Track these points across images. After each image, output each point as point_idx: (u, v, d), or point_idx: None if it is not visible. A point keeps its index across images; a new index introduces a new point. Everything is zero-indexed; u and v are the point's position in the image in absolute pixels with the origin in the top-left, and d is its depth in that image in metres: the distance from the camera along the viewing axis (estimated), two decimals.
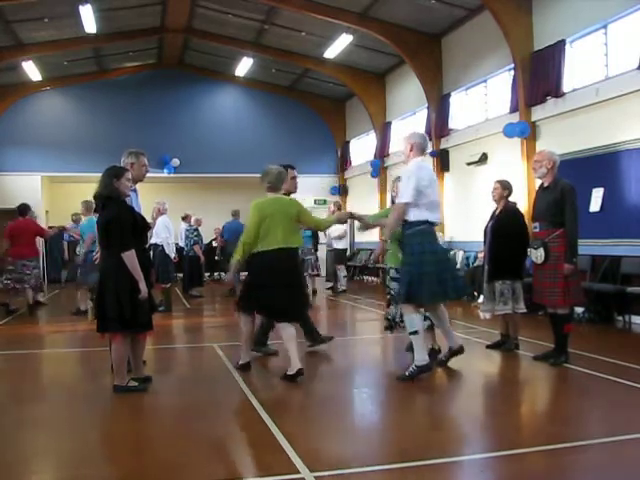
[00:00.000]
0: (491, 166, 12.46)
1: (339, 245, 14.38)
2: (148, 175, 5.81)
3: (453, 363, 5.79)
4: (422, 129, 15.02)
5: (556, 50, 10.37)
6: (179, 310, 11.09)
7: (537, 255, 5.85)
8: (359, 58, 16.35)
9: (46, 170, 18.09)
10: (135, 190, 5.56)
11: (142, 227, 5.18)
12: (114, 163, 5.30)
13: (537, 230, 5.96)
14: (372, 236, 15.68)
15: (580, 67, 10.29)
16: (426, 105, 14.59)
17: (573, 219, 5.69)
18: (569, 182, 5.85)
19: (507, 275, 6.50)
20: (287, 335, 5.47)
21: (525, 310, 6.66)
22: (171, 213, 11.10)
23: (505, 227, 6.55)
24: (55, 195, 19.02)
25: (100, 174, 5.12)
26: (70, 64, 17.28)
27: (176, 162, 18.79)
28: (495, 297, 6.55)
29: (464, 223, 13.24)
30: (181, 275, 14.33)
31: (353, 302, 12.21)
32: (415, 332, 5.33)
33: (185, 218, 14.04)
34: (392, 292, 6.12)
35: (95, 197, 5.08)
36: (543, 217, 5.90)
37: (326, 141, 20.18)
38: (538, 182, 6.19)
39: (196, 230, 13.72)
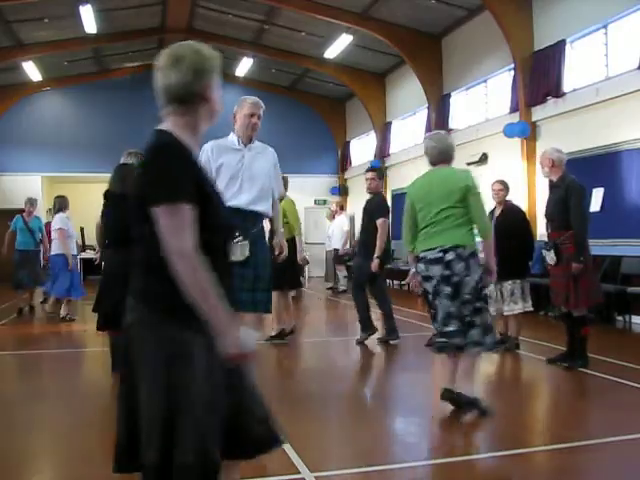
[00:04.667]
0: (491, 166, 12.45)
1: (339, 245, 14.38)
2: None
3: None
4: (422, 129, 15.07)
5: (556, 50, 10.37)
6: None
7: (549, 257, 5.79)
8: (359, 58, 16.34)
9: (46, 170, 18.08)
10: None
11: None
12: (114, 163, 5.29)
13: (549, 231, 5.87)
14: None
15: (580, 67, 10.29)
16: (426, 105, 14.59)
17: (579, 217, 5.54)
18: (577, 180, 5.69)
19: (516, 275, 6.48)
20: None
21: (532, 309, 6.65)
22: None
23: (510, 227, 6.51)
24: (55, 195, 18.96)
25: (99, 174, 5.11)
26: (70, 64, 17.27)
27: None
28: (503, 297, 6.54)
29: None
30: None
31: (353, 302, 12.13)
32: None
33: None
34: None
35: (105, 195, 5.04)
36: (552, 216, 5.78)
37: (326, 141, 20.17)
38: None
39: None
